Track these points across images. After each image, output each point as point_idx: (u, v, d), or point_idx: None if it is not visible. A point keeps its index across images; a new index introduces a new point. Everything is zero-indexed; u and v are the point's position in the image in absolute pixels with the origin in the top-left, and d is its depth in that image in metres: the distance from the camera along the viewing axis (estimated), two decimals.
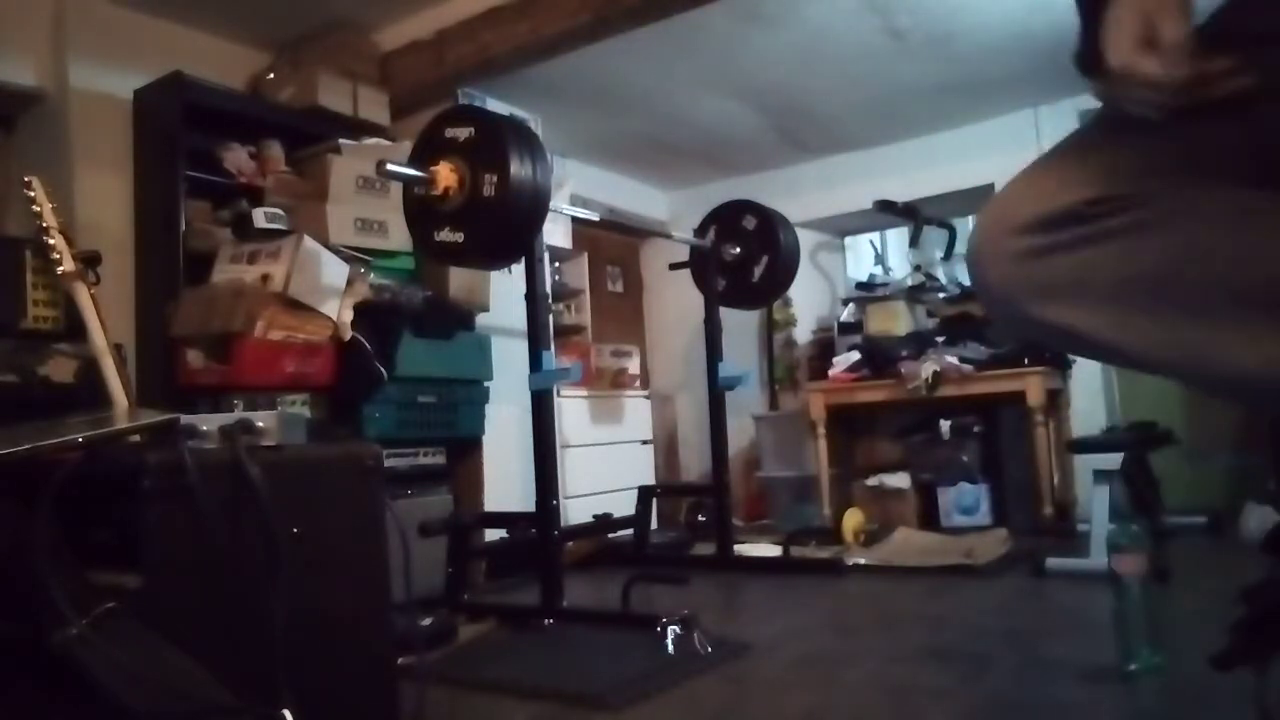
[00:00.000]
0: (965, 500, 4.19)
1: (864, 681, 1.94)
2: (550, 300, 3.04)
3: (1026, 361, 4.01)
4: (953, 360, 4.07)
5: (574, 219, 3.96)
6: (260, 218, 2.98)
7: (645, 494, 3.81)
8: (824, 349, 5.01)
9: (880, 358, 4.30)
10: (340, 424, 2.90)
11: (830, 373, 4.49)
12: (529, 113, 3.89)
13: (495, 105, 3.66)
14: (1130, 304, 0.84)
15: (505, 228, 2.49)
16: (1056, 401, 4.20)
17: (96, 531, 1.34)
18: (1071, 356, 4.27)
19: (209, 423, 1.40)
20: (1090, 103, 4.34)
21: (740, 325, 4.84)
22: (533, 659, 2.32)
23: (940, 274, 4.95)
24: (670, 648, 2.18)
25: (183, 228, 2.98)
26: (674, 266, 4.06)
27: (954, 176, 4.72)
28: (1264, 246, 0.79)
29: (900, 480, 4.35)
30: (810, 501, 4.49)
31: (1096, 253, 0.85)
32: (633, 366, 4.75)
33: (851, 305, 5.04)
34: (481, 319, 3.51)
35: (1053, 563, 2.97)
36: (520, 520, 3.02)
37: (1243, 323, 0.79)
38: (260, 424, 1.42)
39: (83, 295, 1.75)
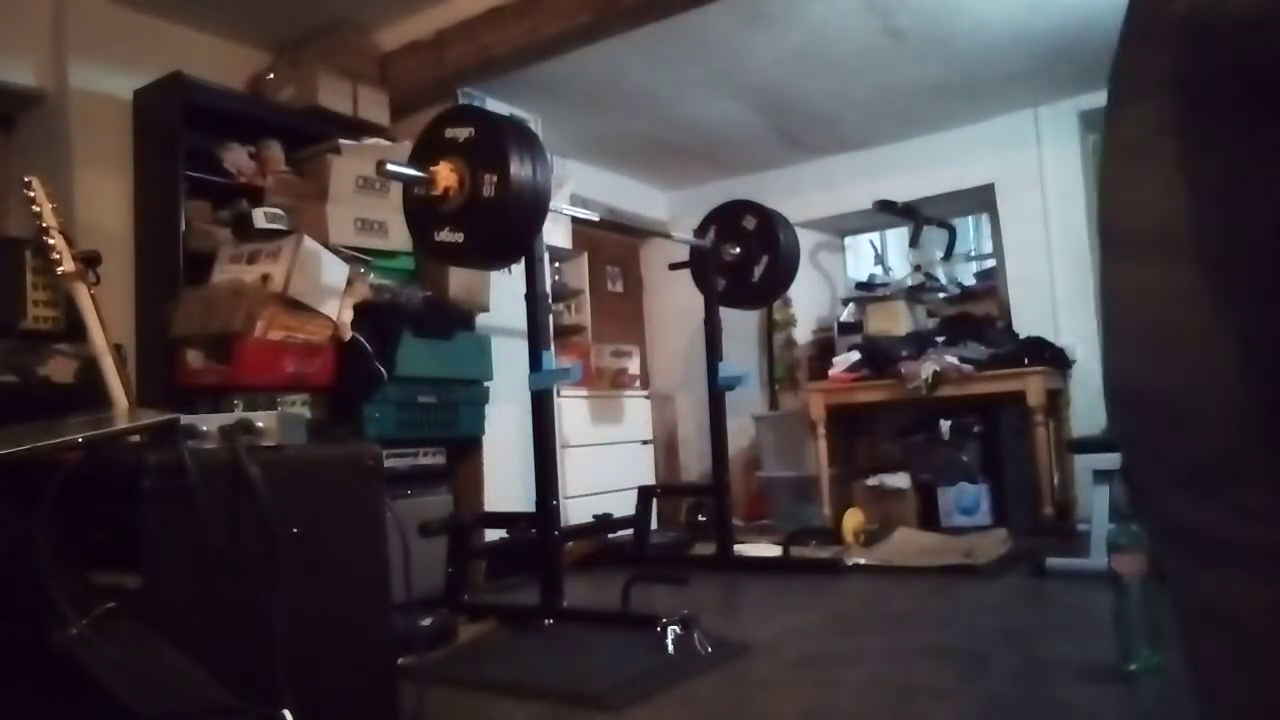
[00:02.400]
0: (965, 500, 4.19)
1: (864, 681, 1.94)
2: (550, 300, 3.04)
3: (1026, 361, 4.02)
4: (953, 360, 4.07)
5: (574, 219, 3.96)
6: (260, 218, 2.98)
7: (645, 494, 3.81)
8: (824, 349, 5.01)
9: (880, 358, 4.30)
10: (340, 424, 2.89)
11: (830, 373, 4.49)
12: (529, 113, 3.88)
13: (495, 105, 3.66)
14: None
15: (505, 228, 2.50)
16: (1056, 401, 4.20)
17: (96, 531, 1.34)
18: (1072, 357, 4.28)
19: (209, 423, 1.40)
20: (1092, 103, 4.36)
21: (740, 325, 4.84)
22: (533, 659, 2.32)
23: (940, 274, 4.95)
24: (670, 648, 2.18)
25: (183, 228, 2.98)
26: (674, 266, 4.06)
27: (954, 176, 4.72)
28: None
29: (900, 480, 4.35)
30: (810, 501, 4.49)
31: None
32: (633, 366, 4.75)
33: (851, 305, 5.04)
34: (481, 319, 3.51)
35: (1053, 563, 2.97)
36: (520, 520, 3.02)
37: None
38: (260, 424, 1.42)
39: (83, 295, 1.75)
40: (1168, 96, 0.71)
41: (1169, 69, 0.70)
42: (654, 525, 3.94)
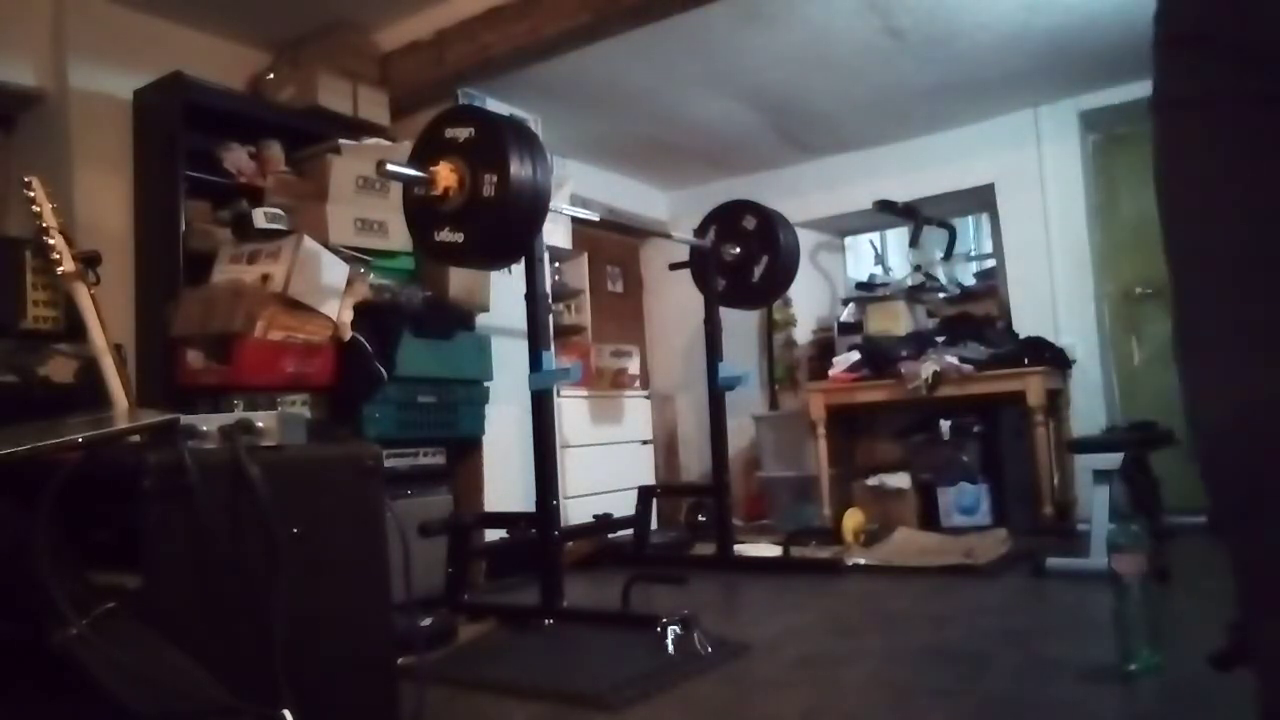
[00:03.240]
0: (965, 500, 4.19)
1: (864, 681, 1.94)
2: (550, 300, 3.04)
3: (1026, 361, 4.02)
4: (953, 360, 4.07)
5: (574, 219, 3.96)
6: (260, 218, 2.98)
7: (645, 494, 3.81)
8: (824, 349, 5.01)
9: (880, 358, 4.30)
10: (340, 424, 2.89)
11: (830, 373, 4.49)
12: (529, 113, 3.88)
13: (495, 105, 3.66)
14: None
15: (505, 228, 2.49)
16: (1056, 401, 4.20)
17: (96, 531, 1.34)
18: (1072, 356, 4.28)
19: (209, 423, 1.40)
20: (1092, 103, 4.36)
21: (740, 325, 4.84)
22: (533, 659, 2.32)
23: (940, 274, 4.95)
24: (670, 648, 2.18)
25: (183, 228, 2.98)
26: (674, 266, 4.06)
27: (954, 176, 4.72)
28: None
29: (900, 480, 4.35)
30: (810, 501, 4.49)
31: None
32: (633, 366, 4.75)
33: (851, 305, 5.04)
34: (481, 319, 3.51)
35: (1053, 563, 2.97)
36: (520, 520, 3.02)
37: None
38: (260, 424, 1.42)
39: (83, 295, 1.75)
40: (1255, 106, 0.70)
41: (1247, 81, 0.70)
42: (654, 525, 3.94)
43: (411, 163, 2.58)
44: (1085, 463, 3.50)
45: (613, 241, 5.34)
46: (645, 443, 4.58)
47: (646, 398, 4.71)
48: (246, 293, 2.75)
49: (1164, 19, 0.79)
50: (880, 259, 5.35)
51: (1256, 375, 0.72)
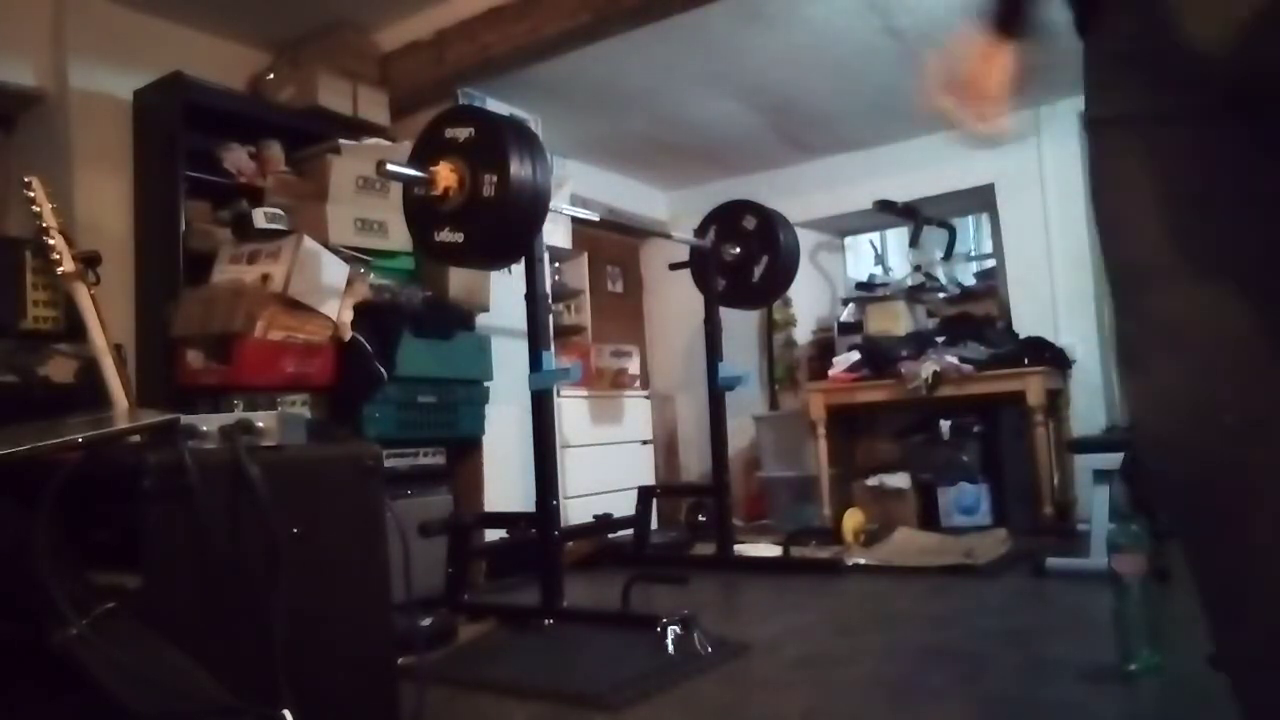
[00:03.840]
0: (965, 500, 4.19)
1: (864, 681, 1.94)
2: (550, 300, 3.04)
3: (1026, 361, 4.02)
4: (953, 360, 4.07)
5: (574, 219, 3.96)
6: (260, 218, 2.98)
7: (645, 494, 3.81)
8: (824, 349, 5.01)
9: (880, 358, 4.30)
10: (340, 424, 2.89)
11: (830, 373, 4.49)
12: (529, 113, 3.88)
13: (495, 105, 3.66)
14: None
15: (505, 228, 2.49)
16: (1056, 401, 4.20)
17: (96, 531, 1.34)
18: (1072, 357, 4.28)
19: (209, 423, 1.40)
20: None
21: (740, 325, 4.84)
22: (533, 659, 2.32)
23: (940, 274, 4.95)
24: (670, 648, 2.18)
25: (183, 228, 2.98)
26: (674, 266, 4.06)
27: (954, 176, 4.71)
28: None
29: (900, 480, 4.35)
30: (810, 501, 4.49)
31: None
32: (633, 366, 4.75)
33: (851, 305, 5.05)
34: (481, 319, 3.51)
35: (1053, 563, 2.97)
36: (520, 520, 3.02)
37: None
38: (260, 424, 1.42)
39: (83, 295, 1.75)
40: (1184, 123, 0.71)
41: (1185, 97, 0.71)
42: (654, 525, 3.94)
43: (411, 163, 2.58)
44: (1085, 463, 3.50)
45: (613, 241, 5.34)
46: (645, 443, 4.58)
47: (646, 398, 4.70)
48: (246, 293, 2.75)
49: (1093, 40, 0.81)
50: (880, 259, 5.35)
51: (1186, 384, 0.72)
